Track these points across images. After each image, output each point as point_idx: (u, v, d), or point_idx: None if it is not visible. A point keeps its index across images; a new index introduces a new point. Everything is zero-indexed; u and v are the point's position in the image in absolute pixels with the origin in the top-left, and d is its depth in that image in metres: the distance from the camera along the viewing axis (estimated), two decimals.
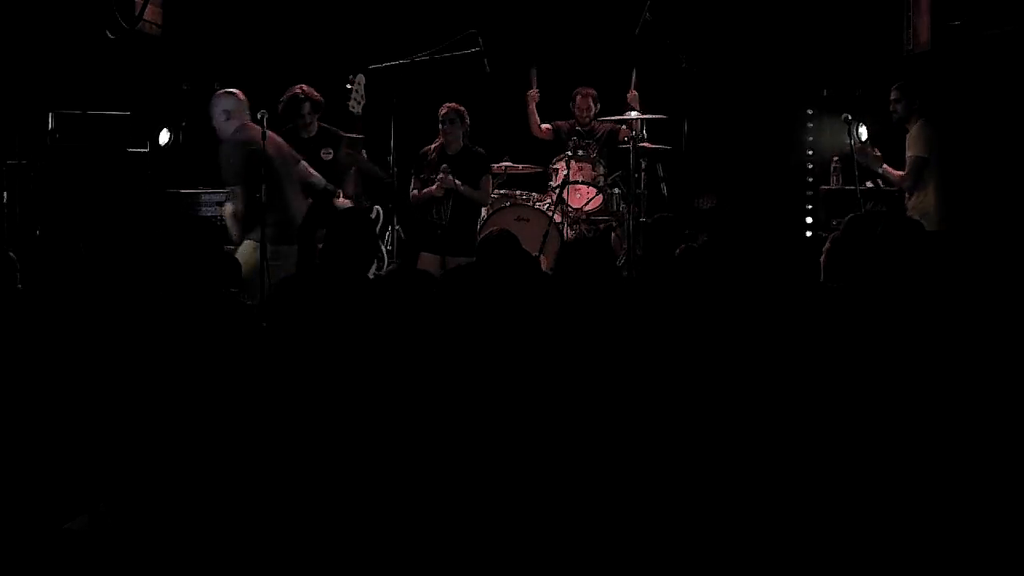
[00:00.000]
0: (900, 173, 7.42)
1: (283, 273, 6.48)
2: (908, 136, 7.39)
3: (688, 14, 8.91)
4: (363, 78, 7.57)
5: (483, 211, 8.40)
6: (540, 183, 8.82)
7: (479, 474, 3.88)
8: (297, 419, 4.18)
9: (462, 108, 8.02)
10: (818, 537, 3.78)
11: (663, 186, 8.70)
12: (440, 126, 8.02)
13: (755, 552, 3.76)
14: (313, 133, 7.66)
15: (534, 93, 8.81)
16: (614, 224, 8.51)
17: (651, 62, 8.70)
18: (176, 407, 4.17)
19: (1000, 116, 7.95)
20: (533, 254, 6.50)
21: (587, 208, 8.48)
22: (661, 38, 8.35)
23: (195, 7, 9.20)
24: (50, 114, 8.36)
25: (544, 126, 8.90)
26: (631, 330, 4.37)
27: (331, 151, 7.62)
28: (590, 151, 8.60)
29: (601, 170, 8.56)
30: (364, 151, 7.58)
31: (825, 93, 9.22)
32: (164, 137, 8.96)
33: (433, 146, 8.09)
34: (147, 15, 8.30)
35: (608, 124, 8.74)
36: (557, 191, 8.36)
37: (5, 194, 8.15)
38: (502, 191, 8.62)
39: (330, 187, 7.55)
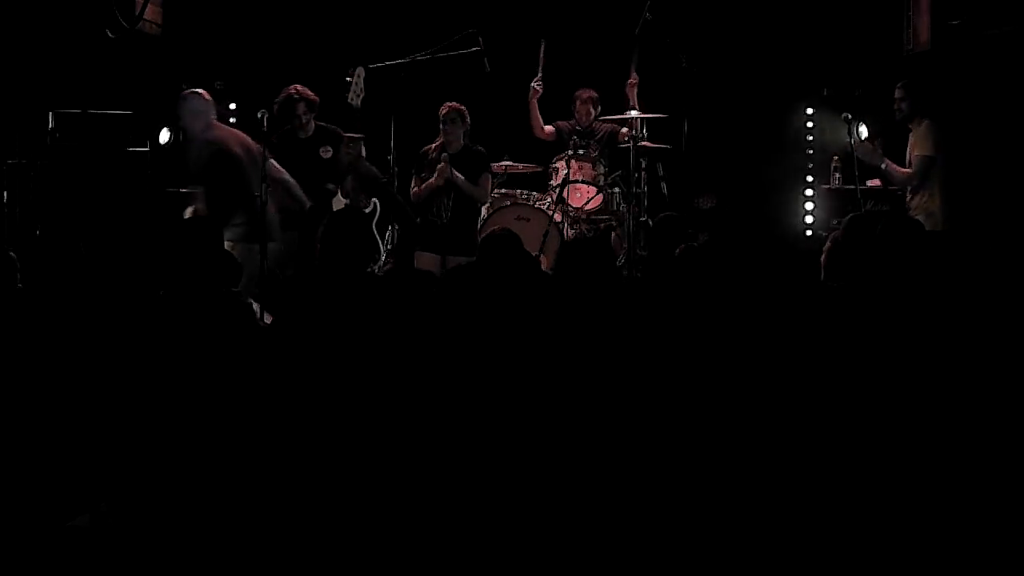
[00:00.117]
0: (905, 171, 7.41)
1: (250, 270, 6.52)
2: (914, 135, 7.37)
3: (688, 14, 8.91)
4: (363, 71, 7.57)
5: (483, 210, 8.40)
6: (540, 182, 8.81)
7: (479, 473, 3.88)
8: (297, 419, 4.18)
9: (462, 108, 8.01)
10: (818, 535, 3.78)
11: (663, 186, 8.69)
12: (441, 126, 8.01)
13: (756, 551, 3.76)
14: (311, 133, 7.66)
15: (537, 87, 8.76)
16: (614, 224, 8.50)
17: (651, 62, 8.70)
18: (176, 407, 4.17)
19: (1000, 116, 7.95)
20: (533, 254, 6.50)
21: (587, 207, 8.47)
22: (661, 38, 8.35)
23: (195, 7, 9.20)
24: (50, 114, 8.36)
25: (546, 128, 8.89)
26: (632, 330, 4.37)
27: (330, 149, 7.62)
28: (590, 150, 8.60)
29: (601, 169, 8.56)
30: (364, 148, 7.58)
31: (825, 93, 9.22)
32: (164, 137, 8.95)
33: (434, 145, 8.08)
34: (147, 15, 8.29)
35: (609, 124, 8.74)
36: (557, 190, 8.36)
37: (5, 194, 8.16)
38: (502, 191, 8.62)
39: (330, 186, 7.55)
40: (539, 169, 8.85)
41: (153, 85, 8.97)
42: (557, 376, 4.11)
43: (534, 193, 8.62)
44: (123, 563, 3.82)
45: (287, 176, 7.31)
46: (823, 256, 5.32)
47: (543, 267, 7.08)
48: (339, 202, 7.71)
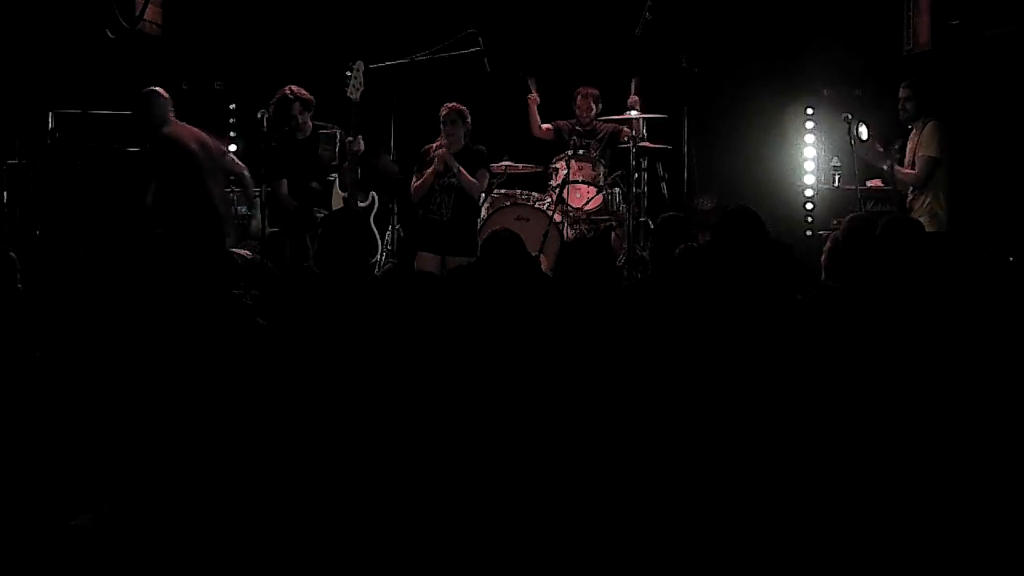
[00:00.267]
0: (910, 171, 7.40)
1: None
2: (919, 135, 7.36)
3: (688, 14, 8.90)
4: (362, 64, 7.58)
5: (483, 211, 8.40)
6: (540, 183, 8.81)
7: (480, 473, 3.88)
8: (298, 419, 4.18)
9: (463, 108, 8.01)
10: (818, 535, 3.78)
11: (663, 186, 8.69)
12: (441, 127, 8.01)
13: (757, 551, 3.76)
14: (309, 133, 7.66)
15: (534, 97, 8.81)
16: (614, 224, 8.50)
17: (651, 62, 8.70)
18: (177, 407, 4.17)
19: (1000, 116, 7.95)
20: (533, 254, 6.49)
21: (587, 208, 8.47)
22: (661, 38, 8.34)
23: (195, 7, 9.20)
24: (50, 114, 8.36)
25: (545, 126, 8.90)
26: (632, 330, 4.37)
27: (329, 148, 7.62)
28: (591, 151, 8.60)
29: (601, 170, 8.56)
30: (361, 139, 7.58)
31: (825, 93, 9.21)
32: None
33: (435, 145, 8.08)
34: (147, 15, 8.29)
35: (610, 125, 8.74)
36: (557, 191, 8.36)
37: (5, 194, 8.16)
38: (502, 191, 8.62)
39: (314, 184, 7.57)
40: (539, 169, 8.85)
41: (153, 85, 8.96)
42: (557, 376, 4.11)
43: (534, 193, 8.62)
44: (125, 562, 3.83)
45: (246, 172, 7.50)
46: (823, 256, 5.32)
47: (543, 267, 7.08)
48: (338, 195, 7.72)
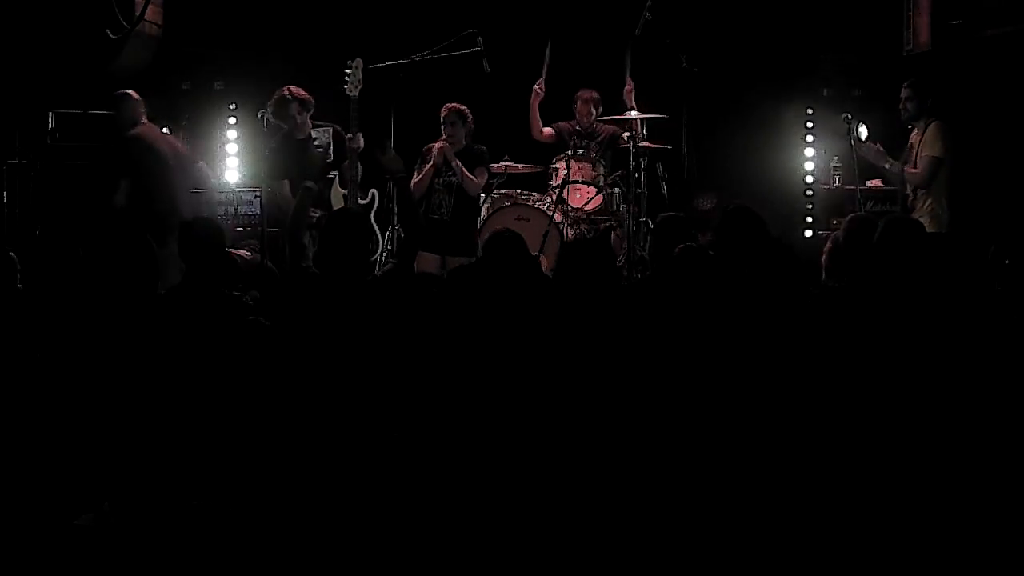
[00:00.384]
0: (914, 170, 7.38)
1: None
2: (922, 135, 7.34)
3: (688, 14, 8.90)
4: (360, 61, 7.58)
5: (483, 211, 8.40)
6: (540, 183, 8.81)
7: (480, 473, 3.88)
8: (298, 419, 4.18)
9: (463, 108, 8.01)
10: (819, 535, 3.78)
11: (663, 186, 8.69)
12: (442, 127, 8.01)
13: (757, 552, 3.76)
14: (308, 132, 7.66)
15: (539, 89, 8.77)
16: (614, 224, 8.50)
17: (651, 62, 8.69)
18: (177, 407, 4.17)
19: (1000, 117, 7.94)
20: (533, 254, 6.49)
21: (587, 208, 8.47)
22: (661, 38, 8.34)
23: (195, 7, 9.19)
24: (50, 114, 8.35)
25: (546, 130, 8.89)
26: (632, 330, 4.37)
27: (320, 147, 7.63)
28: (590, 151, 8.61)
29: (601, 170, 8.56)
30: (361, 136, 7.57)
31: (825, 93, 9.21)
32: None
33: (436, 144, 8.08)
34: (147, 15, 8.29)
35: (610, 127, 8.74)
36: (557, 191, 8.36)
37: (5, 194, 8.16)
38: (502, 191, 8.62)
39: (309, 184, 7.57)
40: (539, 169, 8.84)
41: (153, 86, 8.96)
42: (558, 376, 4.11)
43: (534, 193, 8.62)
44: (125, 562, 3.83)
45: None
46: (823, 256, 5.32)
47: (543, 267, 7.08)
48: (338, 194, 7.73)
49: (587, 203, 8.46)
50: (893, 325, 4.30)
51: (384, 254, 8.01)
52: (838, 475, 3.91)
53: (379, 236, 7.97)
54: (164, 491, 4.01)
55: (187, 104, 9.28)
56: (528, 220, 8.15)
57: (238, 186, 8.48)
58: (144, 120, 7.53)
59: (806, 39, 9.28)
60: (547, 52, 8.74)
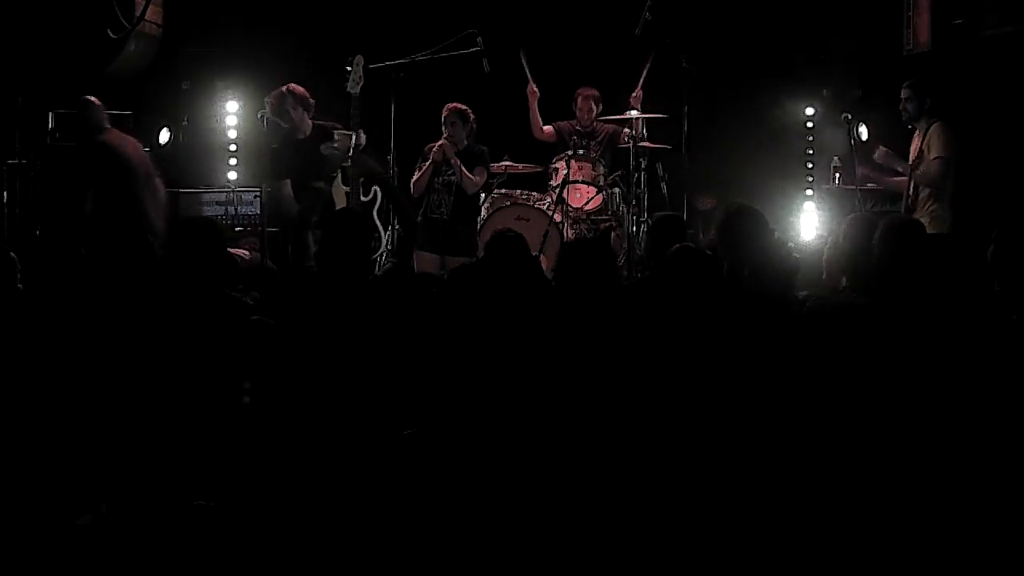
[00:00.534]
0: (925, 172, 7.34)
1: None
2: (926, 136, 7.31)
3: (688, 14, 8.90)
4: (361, 59, 7.57)
5: (483, 210, 8.40)
6: (540, 183, 8.81)
7: (481, 472, 3.88)
8: (298, 419, 4.18)
9: (464, 108, 8.00)
10: (818, 535, 3.78)
11: (663, 186, 8.69)
12: (443, 127, 8.01)
13: (758, 552, 3.76)
14: (308, 132, 7.66)
15: (533, 88, 8.78)
16: (614, 224, 8.50)
17: (651, 62, 8.69)
18: (177, 407, 4.17)
19: (1000, 117, 7.94)
20: (533, 254, 6.49)
21: (587, 208, 8.47)
22: (661, 38, 8.34)
23: (195, 7, 9.19)
24: (50, 114, 8.36)
25: (546, 128, 8.90)
26: (632, 330, 4.36)
27: (329, 145, 7.62)
28: (591, 151, 8.61)
29: (601, 170, 8.56)
30: (363, 134, 7.56)
31: (825, 93, 9.21)
32: (164, 137, 8.96)
33: (437, 144, 8.08)
34: (147, 15, 8.29)
35: (610, 126, 8.74)
36: (557, 190, 8.36)
37: (5, 194, 8.16)
38: (502, 191, 8.62)
39: (319, 184, 7.56)
40: (539, 169, 8.85)
41: (153, 85, 8.97)
42: (558, 376, 4.11)
43: (534, 193, 8.62)
44: (124, 562, 3.83)
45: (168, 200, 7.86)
46: (823, 256, 5.32)
47: (543, 267, 7.08)
48: (340, 191, 7.72)
49: (587, 203, 8.46)
50: (893, 325, 4.29)
51: (384, 254, 8.01)
52: (839, 474, 3.91)
53: (381, 233, 7.96)
54: (164, 491, 4.01)
55: (187, 104, 9.28)
56: (528, 220, 8.14)
57: (238, 186, 8.49)
58: (108, 125, 7.59)
59: (806, 39, 9.29)
60: (523, 58, 8.76)
